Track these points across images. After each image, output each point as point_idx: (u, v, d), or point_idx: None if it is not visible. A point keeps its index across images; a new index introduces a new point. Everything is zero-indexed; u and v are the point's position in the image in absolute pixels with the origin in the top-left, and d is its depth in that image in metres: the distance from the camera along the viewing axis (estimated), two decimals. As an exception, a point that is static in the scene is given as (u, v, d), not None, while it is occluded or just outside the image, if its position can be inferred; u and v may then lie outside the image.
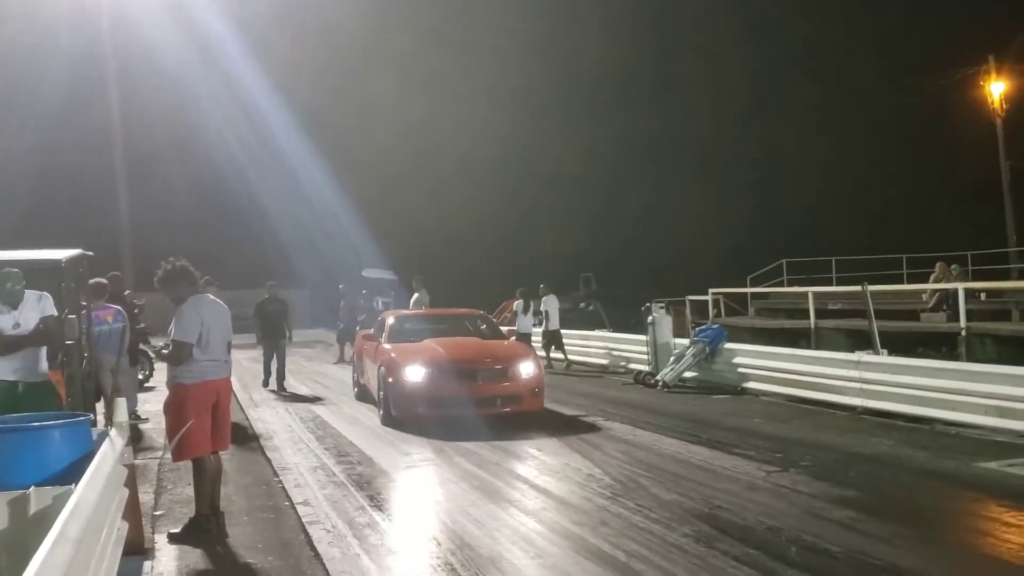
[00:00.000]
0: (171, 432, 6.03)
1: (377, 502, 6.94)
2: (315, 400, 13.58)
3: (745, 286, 23.96)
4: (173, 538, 5.98)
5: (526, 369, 10.79)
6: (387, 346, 11.49)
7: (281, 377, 14.65)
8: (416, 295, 17.90)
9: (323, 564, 5.39)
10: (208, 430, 6.03)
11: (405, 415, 10.33)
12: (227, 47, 26.65)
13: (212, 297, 6.48)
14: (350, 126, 34.35)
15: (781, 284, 24.35)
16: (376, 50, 33.87)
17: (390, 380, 10.55)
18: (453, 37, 37.54)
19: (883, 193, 33.35)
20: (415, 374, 10.41)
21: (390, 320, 12.70)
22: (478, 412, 10.11)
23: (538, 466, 8.25)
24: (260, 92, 28.19)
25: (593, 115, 35.69)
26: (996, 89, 25.35)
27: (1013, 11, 27.50)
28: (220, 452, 6.33)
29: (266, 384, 14.77)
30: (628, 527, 6.02)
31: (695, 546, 5.58)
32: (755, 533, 5.80)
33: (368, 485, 7.52)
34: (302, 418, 11.63)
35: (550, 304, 17.88)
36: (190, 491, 6.32)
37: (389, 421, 10.52)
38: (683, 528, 5.98)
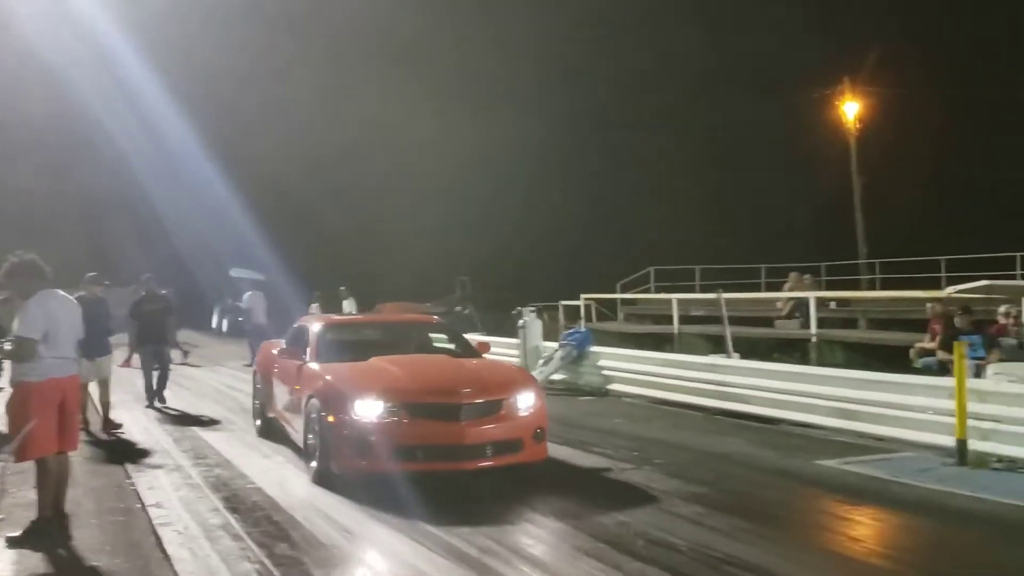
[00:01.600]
0: (13, 432, 5.78)
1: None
2: (208, 424, 10.89)
3: (615, 292, 24.64)
4: (12, 542, 5.72)
5: (525, 401, 7.65)
6: (316, 367, 8.25)
7: (161, 388, 12.31)
8: (345, 303, 17.46)
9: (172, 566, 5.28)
10: (53, 430, 5.81)
11: (352, 470, 7.20)
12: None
13: (62, 293, 6.25)
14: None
15: (648, 291, 25.14)
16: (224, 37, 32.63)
17: (329, 420, 7.34)
18: (314, 25, 36.93)
19: (744, 206, 34.86)
20: (368, 410, 7.19)
21: (315, 328, 9.12)
22: (459, 466, 7.21)
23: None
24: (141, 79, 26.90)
25: (473, 114, 35.81)
26: (850, 109, 26.86)
27: (870, 34, 29.25)
28: (68, 453, 6.11)
29: (150, 403, 12.12)
30: (487, 518, 6.17)
31: (547, 537, 5.81)
32: (605, 527, 6.01)
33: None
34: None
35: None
36: (34, 494, 6.06)
37: (326, 479, 7.36)
38: (536, 520, 6.16)
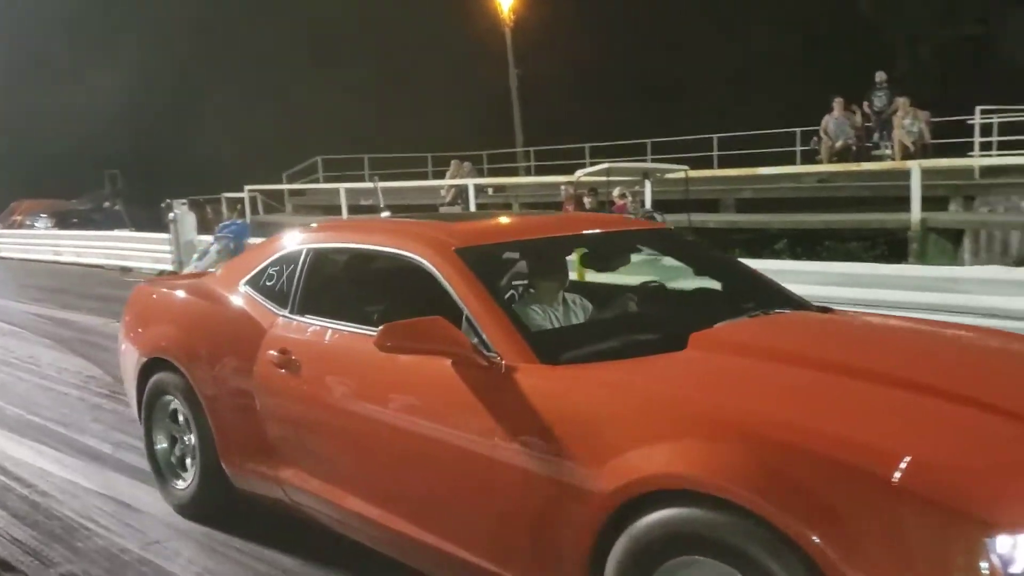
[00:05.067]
0: None
1: None
2: None
3: (282, 183, 24.11)
4: None
5: None
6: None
7: None
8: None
9: None
10: None
11: None
12: None
13: None
14: None
15: (317, 180, 24.88)
16: None
17: None
18: None
19: (412, 94, 35.21)
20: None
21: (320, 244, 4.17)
22: None
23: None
24: None
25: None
26: (505, 1, 27.74)
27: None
28: None
29: None
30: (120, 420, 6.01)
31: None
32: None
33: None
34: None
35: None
36: None
37: None
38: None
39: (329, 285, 4.04)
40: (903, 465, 2.12)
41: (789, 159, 18.49)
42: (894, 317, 4.17)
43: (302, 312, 3.84)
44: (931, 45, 28.69)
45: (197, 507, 4.25)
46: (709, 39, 31.46)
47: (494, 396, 2.90)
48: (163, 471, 4.50)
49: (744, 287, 4.02)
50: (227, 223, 14.52)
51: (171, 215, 14.38)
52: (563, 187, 13.06)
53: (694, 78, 30.99)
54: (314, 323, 3.76)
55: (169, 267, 14.27)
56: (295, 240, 4.15)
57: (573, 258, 4.53)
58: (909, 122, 15.16)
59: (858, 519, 2.10)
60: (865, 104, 16.62)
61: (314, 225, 4.51)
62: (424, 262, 3.39)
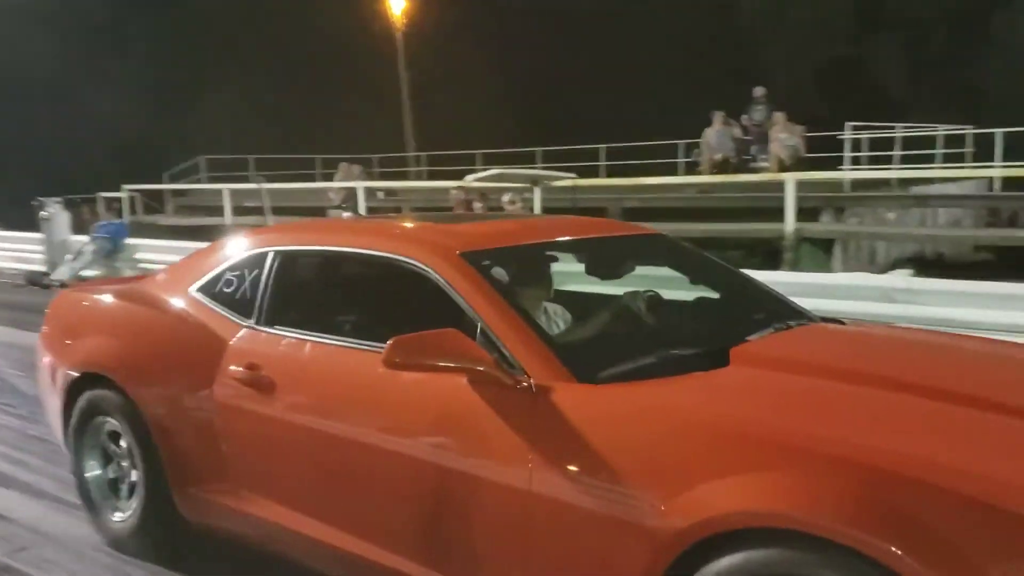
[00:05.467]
0: None
1: None
2: None
3: (162, 183, 23.33)
4: None
5: None
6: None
7: None
8: None
9: None
10: None
11: None
12: None
13: None
14: None
15: (199, 181, 24.18)
16: None
17: None
18: None
19: (303, 95, 34.62)
20: None
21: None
22: None
23: None
24: None
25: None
26: (396, 5, 27.66)
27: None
28: None
29: None
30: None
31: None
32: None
33: None
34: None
35: None
36: None
37: None
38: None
39: (304, 293, 3.63)
40: None
41: (672, 170, 19.06)
42: (900, 328, 4.29)
43: (271, 323, 3.39)
44: (808, 63, 30.00)
45: (139, 541, 3.71)
46: (599, 51, 32.10)
47: (526, 420, 2.55)
48: (96, 501, 3.92)
49: (746, 297, 3.78)
50: (104, 223, 13.99)
51: (43, 214, 13.76)
52: (453, 192, 13.10)
53: (584, 88, 31.57)
54: (289, 335, 3.30)
55: (42, 268, 13.65)
56: (254, 242, 3.66)
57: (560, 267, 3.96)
58: (785, 136, 15.83)
59: (994, 563, 1.88)
60: (744, 118, 17.29)
61: (275, 225, 4.19)
62: (426, 268, 2.99)
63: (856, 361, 2.95)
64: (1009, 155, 15.49)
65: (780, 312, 3.57)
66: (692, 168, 17.84)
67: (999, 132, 15.81)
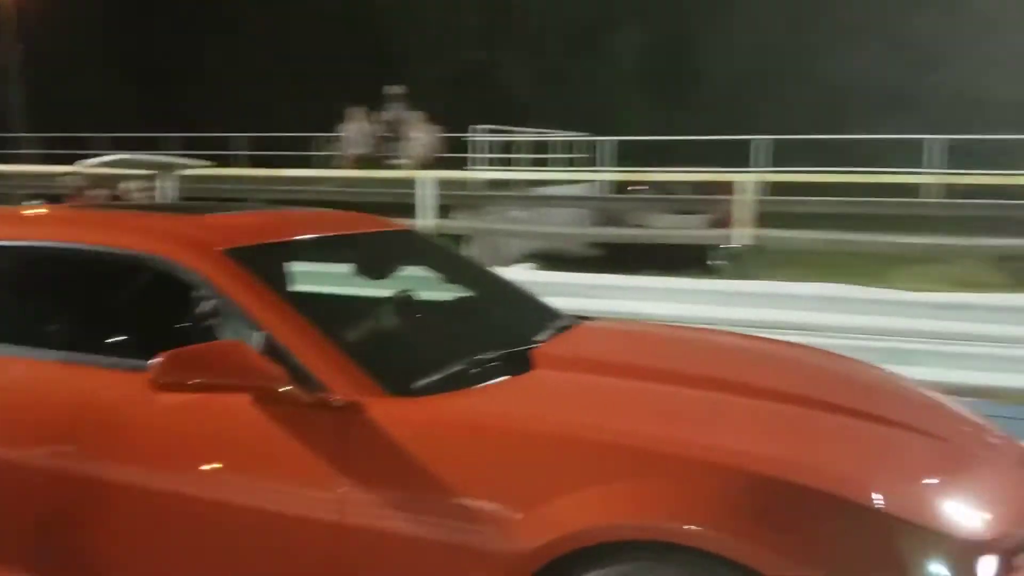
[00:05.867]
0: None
1: None
2: None
3: None
4: None
5: None
6: None
7: None
8: None
9: None
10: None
11: None
12: None
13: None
14: None
15: None
16: None
17: None
18: None
19: None
20: None
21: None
22: None
23: None
24: None
25: None
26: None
27: None
28: None
29: None
30: None
31: None
32: None
33: None
34: None
35: None
36: None
37: None
38: None
39: (8, 299, 2.95)
40: (881, 491, 2.05)
41: (315, 163, 18.87)
42: (657, 324, 4.33)
43: None
44: (444, 65, 31.19)
45: None
46: (246, 40, 30.92)
47: (333, 442, 2.23)
48: None
49: (503, 295, 3.57)
50: None
51: None
52: (66, 178, 11.84)
53: (226, 76, 30.26)
54: None
55: None
56: None
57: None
58: (420, 135, 16.35)
59: (834, 546, 1.95)
60: (382, 115, 17.59)
61: None
62: (184, 267, 2.49)
63: (651, 358, 2.91)
64: (621, 161, 17.35)
65: (542, 310, 3.45)
66: (329, 163, 17.83)
67: (608, 140, 17.64)
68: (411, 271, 3.62)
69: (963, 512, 2.08)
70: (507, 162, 17.81)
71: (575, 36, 30.45)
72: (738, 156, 15.18)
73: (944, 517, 2.03)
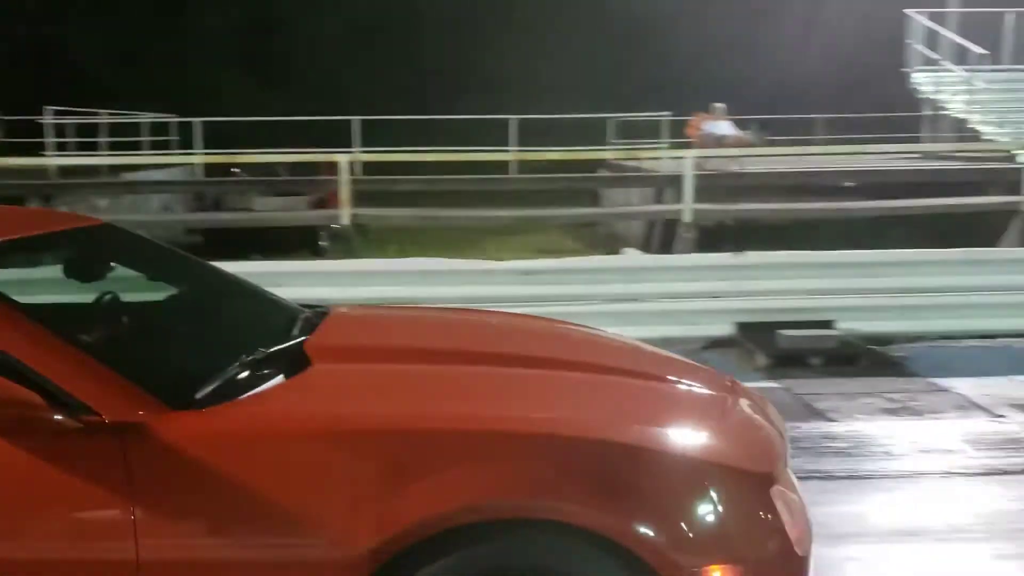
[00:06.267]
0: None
1: None
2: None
3: None
4: None
5: None
6: None
7: None
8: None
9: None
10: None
11: None
12: None
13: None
14: None
15: None
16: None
17: None
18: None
19: None
20: None
21: None
22: None
23: None
24: None
25: None
26: None
27: None
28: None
29: None
30: None
31: None
32: None
33: None
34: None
35: None
36: None
37: None
38: None
39: None
40: (684, 439, 2.22)
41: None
42: (404, 307, 4.42)
43: None
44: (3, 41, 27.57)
45: None
46: None
47: (111, 471, 1.88)
48: None
49: (231, 290, 3.20)
50: None
51: None
52: None
53: None
54: None
55: None
56: None
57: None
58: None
59: (664, 498, 2.03)
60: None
61: None
62: None
63: (424, 340, 2.86)
64: (210, 144, 16.51)
65: (275, 301, 3.18)
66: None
67: (198, 121, 16.73)
68: (123, 271, 3.21)
69: (751, 451, 2.30)
70: (92, 146, 16.24)
71: (162, 13, 28.59)
72: (335, 137, 15.18)
73: (743, 457, 2.23)
